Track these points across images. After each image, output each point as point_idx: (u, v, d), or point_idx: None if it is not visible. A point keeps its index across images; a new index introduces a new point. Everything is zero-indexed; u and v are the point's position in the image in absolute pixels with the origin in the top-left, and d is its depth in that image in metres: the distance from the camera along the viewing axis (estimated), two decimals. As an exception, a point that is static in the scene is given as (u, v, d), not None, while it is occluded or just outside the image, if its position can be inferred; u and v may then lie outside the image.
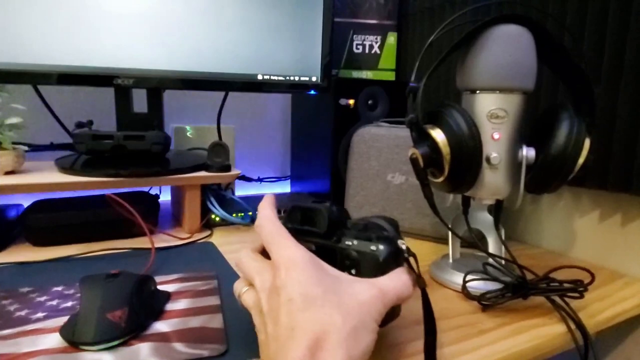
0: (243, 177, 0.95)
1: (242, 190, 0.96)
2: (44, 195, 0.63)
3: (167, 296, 0.42)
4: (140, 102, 0.70)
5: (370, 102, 0.82)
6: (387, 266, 0.32)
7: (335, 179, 0.81)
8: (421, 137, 0.45)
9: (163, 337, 0.35)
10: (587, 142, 0.44)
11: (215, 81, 0.67)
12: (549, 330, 0.40)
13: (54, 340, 0.34)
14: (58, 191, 0.57)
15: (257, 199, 0.83)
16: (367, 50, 0.86)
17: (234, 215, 0.71)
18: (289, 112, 1.03)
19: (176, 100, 0.91)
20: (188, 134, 0.82)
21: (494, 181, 0.46)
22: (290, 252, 0.30)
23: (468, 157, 0.43)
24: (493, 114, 0.45)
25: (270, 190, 1.00)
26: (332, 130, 0.79)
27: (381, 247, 0.33)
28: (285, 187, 1.03)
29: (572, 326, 0.41)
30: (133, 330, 0.35)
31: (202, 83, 0.67)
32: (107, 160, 0.65)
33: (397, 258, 0.33)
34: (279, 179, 1.03)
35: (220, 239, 0.64)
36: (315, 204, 0.35)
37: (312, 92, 0.71)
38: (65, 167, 0.61)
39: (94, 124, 0.68)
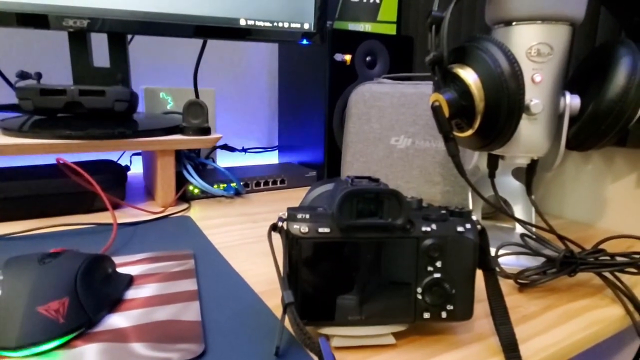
0: (226, 147, 0.85)
1: (225, 162, 0.86)
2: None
3: (128, 280, 0.33)
4: (102, 56, 0.59)
5: (368, 58, 0.72)
6: (478, 250, 0.27)
7: (330, 146, 0.72)
8: (446, 80, 0.36)
9: (118, 336, 0.26)
10: (649, 85, 0.36)
11: (190, 25, 0.56)
12: (604, 314, 0.33)
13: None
14: (-4, 155, 0.46)
15: (243, 169, 0.75)
16: (365, -1, 0.75)
17: (215, 186, 0.62)
18: (276, 73, 0.92)
19: (147, 58, 0.79)
20: (162, 95, 0.71)
21: (532, 135, 0.38)
22: None
23: (508, 103, 0.34)
24: (535, 50, 0.36)
25: (256, 162, 0.90)
26: (325, 90, 0.70)
27: (468, 226, 0.26)
28: (272, 159, 0.93)
29: (631, 307, 0.33)
30: (77, 327, 0.26)
31: (173, 27, 0.56)
32: (62, 121, 0.54)
33: (483, 238, 0.27)
34: (265, 149, 0.94)
35: (199, 213, 0.54)
36: (373, 184, 0.26)
37: (304, 41, 0.61)
38: (11, 128, 0.51)
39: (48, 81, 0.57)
